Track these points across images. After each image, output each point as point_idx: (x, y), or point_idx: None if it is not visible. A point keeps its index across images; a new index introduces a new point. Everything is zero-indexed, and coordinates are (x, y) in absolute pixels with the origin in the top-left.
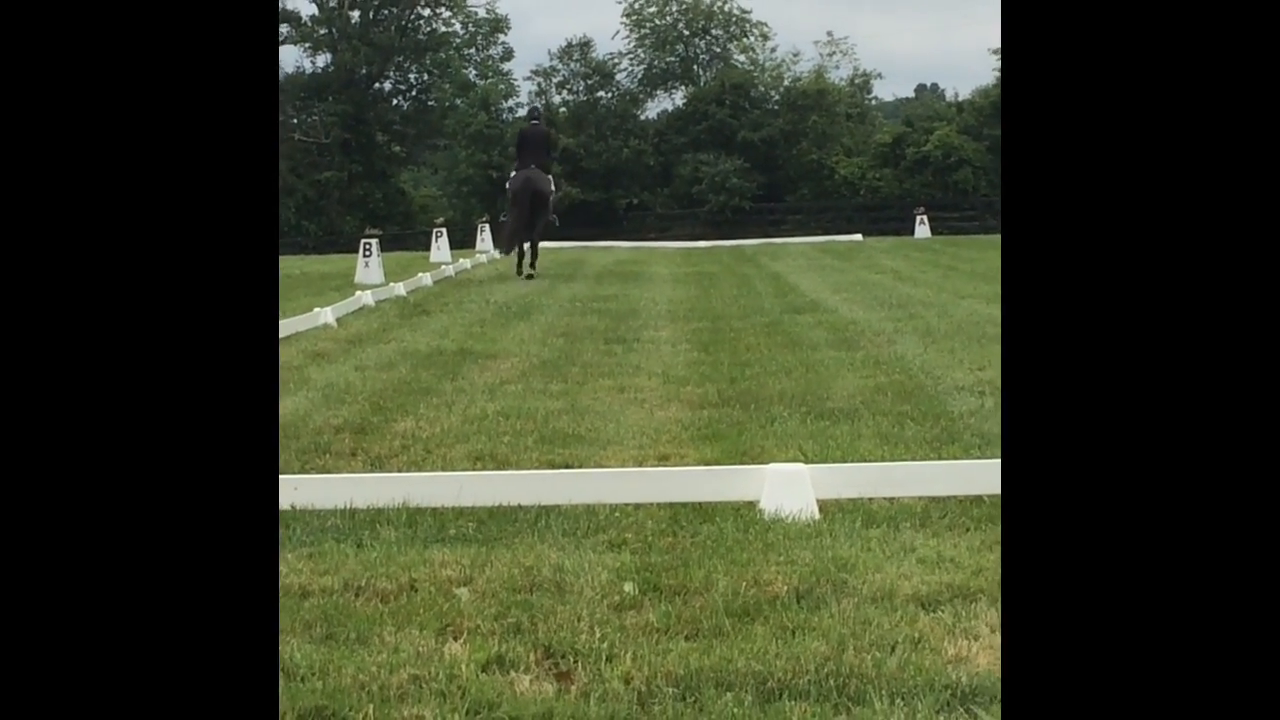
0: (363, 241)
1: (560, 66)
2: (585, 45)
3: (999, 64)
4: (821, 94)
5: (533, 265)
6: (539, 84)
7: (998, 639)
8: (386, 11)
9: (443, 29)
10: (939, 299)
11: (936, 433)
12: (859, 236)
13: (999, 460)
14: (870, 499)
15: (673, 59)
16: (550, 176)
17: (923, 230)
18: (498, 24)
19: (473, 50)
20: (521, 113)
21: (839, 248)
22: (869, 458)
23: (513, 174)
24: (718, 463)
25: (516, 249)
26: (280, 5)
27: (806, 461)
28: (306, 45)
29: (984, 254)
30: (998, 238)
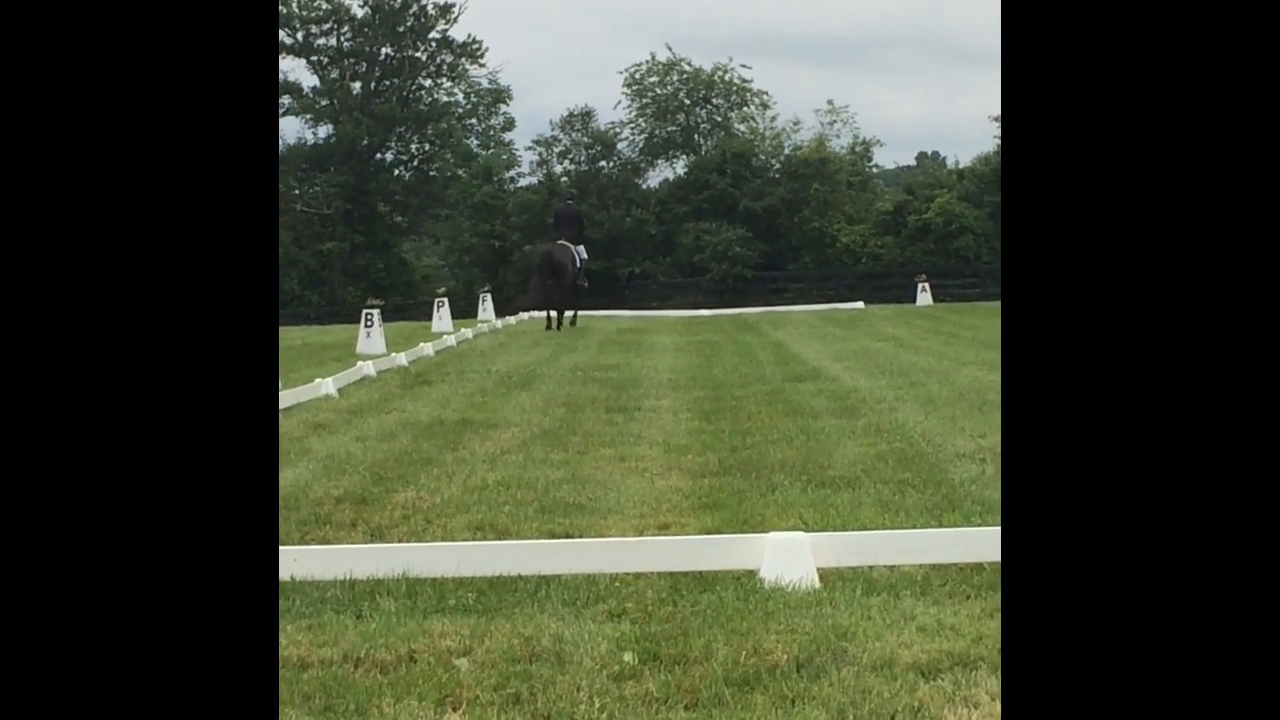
0: (364, 312)
1: (562, 136)
2: (587, 115)
3: (999, 132)
4: (823, 162)
5: (573, 322)
6: (541, 154)
7: (998, 707)
8: (388, 82)
9: (444, 99)
10: (940, 366)
11: (937, 500)
12: (861, 304)
13: (998, 528)
14: (871, 567)
15: (674, 128)
16: (576, 249)
17: (924, 298)
18: (499, 94)
19: (474, 120)
20: (523, 182)
21: (841, 315)
22: (870, 526)
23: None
24: (718, 531)
25: (547, 311)
26: (281, 77)
27: (807, 530)
28: (308, 116)
29: (986, 321)
30: (995, 304)
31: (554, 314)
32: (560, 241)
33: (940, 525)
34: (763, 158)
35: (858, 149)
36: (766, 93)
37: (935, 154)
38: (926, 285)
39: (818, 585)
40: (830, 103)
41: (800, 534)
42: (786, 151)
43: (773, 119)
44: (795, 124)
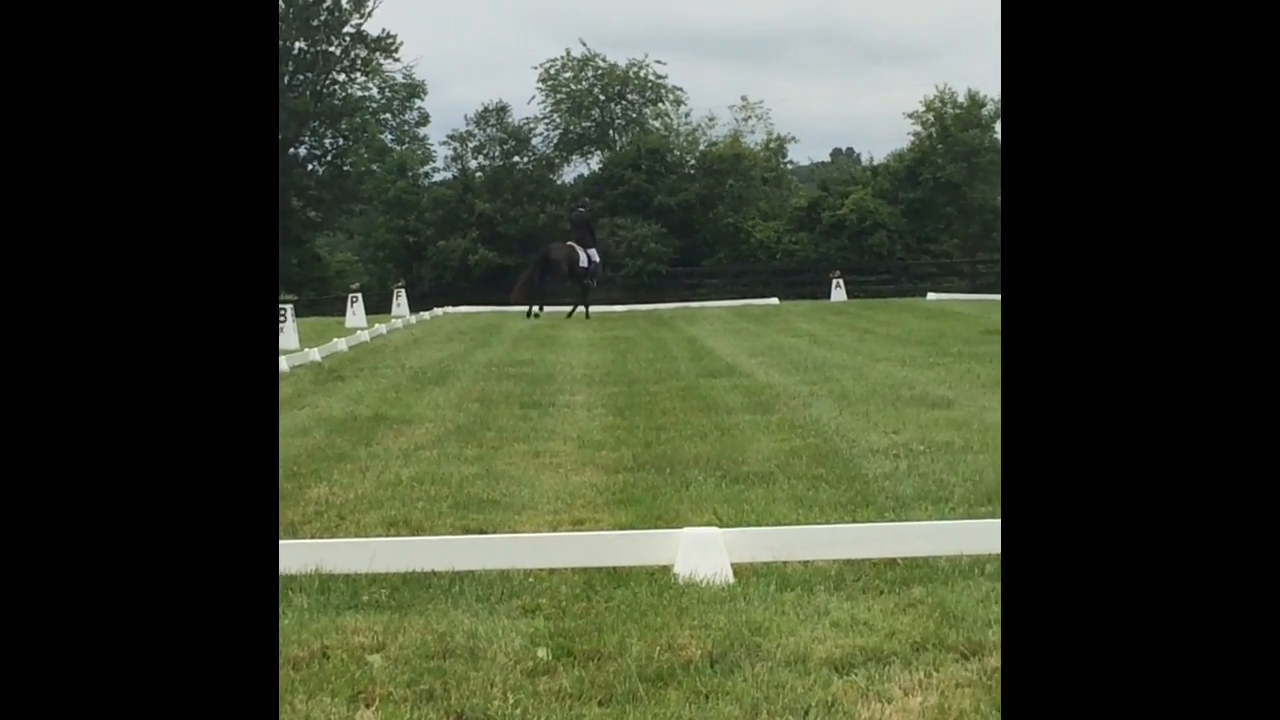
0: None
1: (476, 131)
2: (501, 110)
3: (912, 128)
4: (737, 158)
5: (586, 314)
6: (455, 149)
7: (911, 701)
8: (301, 77)
9: (358, 94)
10: (854, 362)
11: (851, 496)
12: (775, 300)
13: (913, 523)
14: (785, 562)
15: (589, 124)
16: (586, 251)
17: (839, 294)
18: (413, 89)
19: (388, 115)
20: (438, 178)
21: (755, 311)
22: (784, 521)
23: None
24: (632, 527)
25: (528, 306)
26: None
27: (721, 525)
28: None
29: (899, 317)
30: (913, 300)
31: (535, 308)
32: (568, 243)
33: (854, 520)
34: (677, 154)
35: (772, 145)
36: (681, 89)
37: (849, 150)
38: (841, 281)
39: (732, 580)
40: (744, 99)
41: (714, 529)
42: (701, 148)
43: (687, 115)
44: (710, 120)
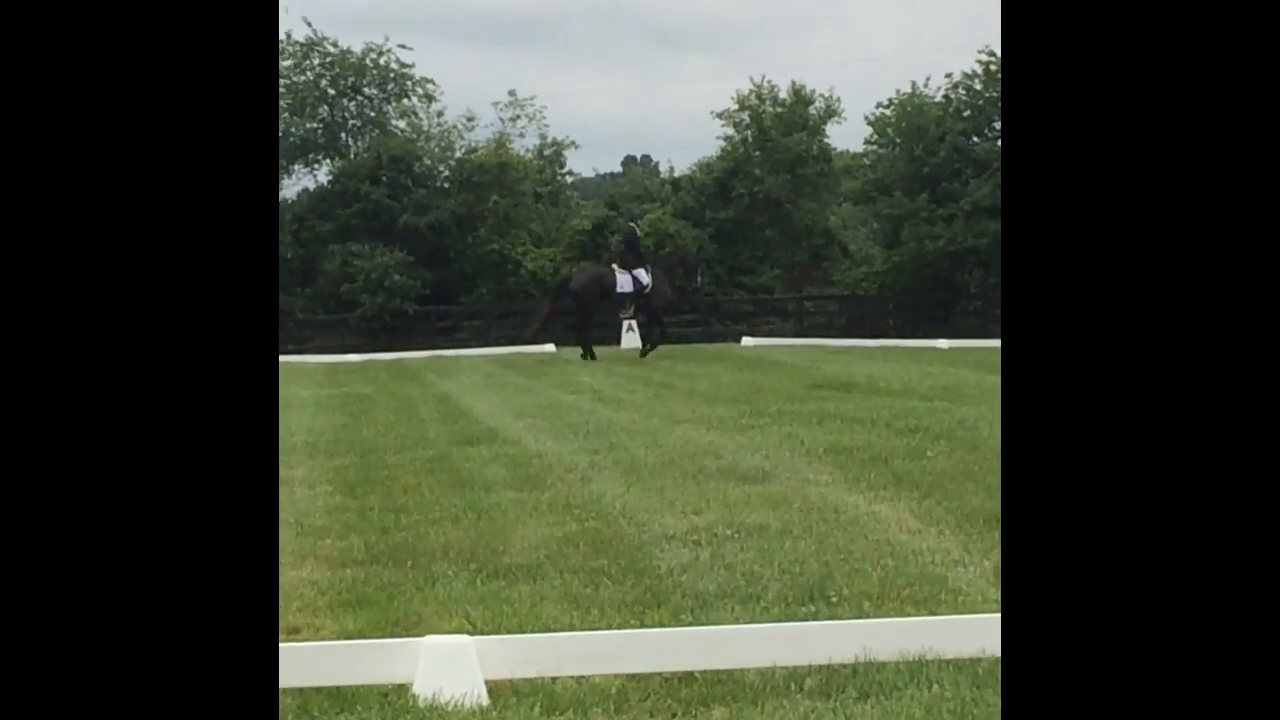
0: None
1: None
2: None
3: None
4: (503, 168)
5: (643, 350)
6: None
7: None
8: None
9: None
10: (648, 425)
11: (639, 594)
12: (551, 347)
13: (716, 627)
14: (554, 679)
15: (315, 125)
16: (632, 273)
17: (631, 339)
18: None
19: None
20: None
21: (526, 361)
22: (553, 626)
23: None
24: (362, 635)
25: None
26: None
27: (474, 632)
28: None
29: (706, 368)
30: (725, 347)
31: (588, 350)
32: (598, 267)
33: (641, 625)
34: (428, 163)
35: (547, 152)
36: (432, 80)
37: (645, 159)
38: (634, 324)
39: (486, 702)
40: (512, 94)
41: (465, 637)
42: (458, 154)
43: (440, 114)
44: (469, 120)
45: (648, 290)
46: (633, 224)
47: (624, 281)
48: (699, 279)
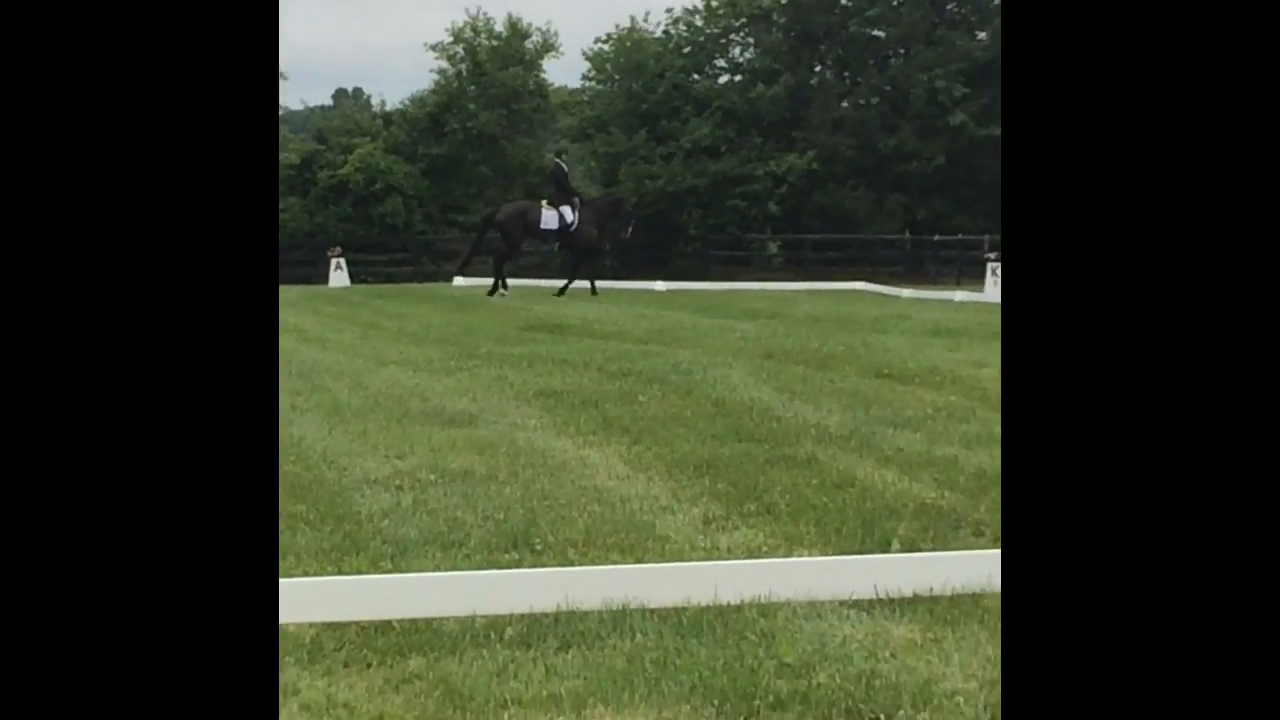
0: None
1: None
2: None
3: (436, 63)
4: None
5: (592, 288)
6: None
7: None
8: None
9: None
10: (353, 366)
11: (338, 540)
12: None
13: (415, 575)
14: None
15: None
16: (555, 209)
17: (340, 277)
18: None
19: None
20: None
21: None
22: None
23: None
24: None
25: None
26: None
27: None
28: None
29: (415, 308)
30: (437, 286)
31: (501, 284)
32: (523, 201)
33: (339, 572)
34: None
35: None
36: None
37: (357, 91)
38: (342, 262)
39: None
40: None
41: None
42: None
43: None
44: None
45: (573, 228)
46: (559, 159)
47: (549, 217)
48: (628, 229)
